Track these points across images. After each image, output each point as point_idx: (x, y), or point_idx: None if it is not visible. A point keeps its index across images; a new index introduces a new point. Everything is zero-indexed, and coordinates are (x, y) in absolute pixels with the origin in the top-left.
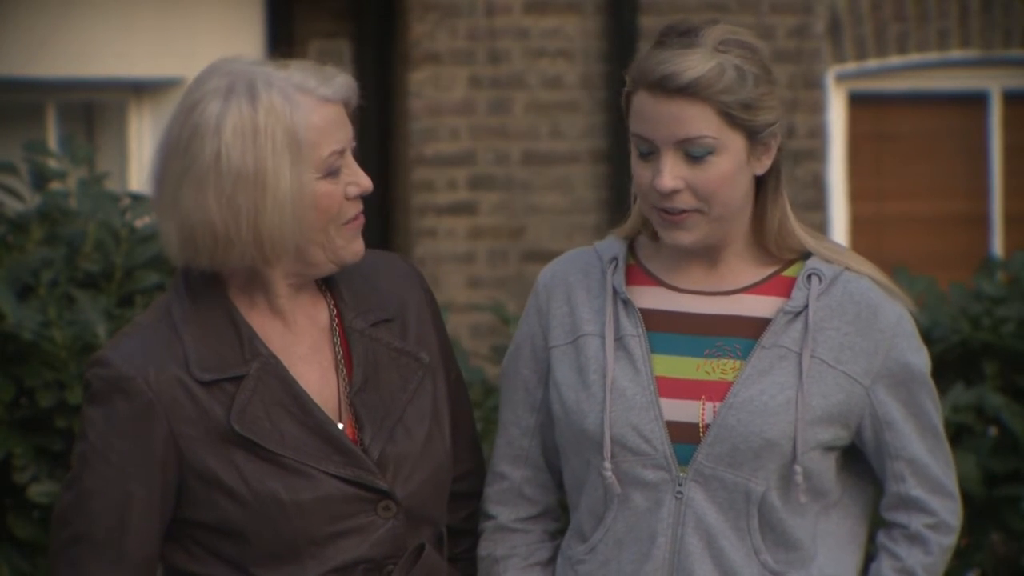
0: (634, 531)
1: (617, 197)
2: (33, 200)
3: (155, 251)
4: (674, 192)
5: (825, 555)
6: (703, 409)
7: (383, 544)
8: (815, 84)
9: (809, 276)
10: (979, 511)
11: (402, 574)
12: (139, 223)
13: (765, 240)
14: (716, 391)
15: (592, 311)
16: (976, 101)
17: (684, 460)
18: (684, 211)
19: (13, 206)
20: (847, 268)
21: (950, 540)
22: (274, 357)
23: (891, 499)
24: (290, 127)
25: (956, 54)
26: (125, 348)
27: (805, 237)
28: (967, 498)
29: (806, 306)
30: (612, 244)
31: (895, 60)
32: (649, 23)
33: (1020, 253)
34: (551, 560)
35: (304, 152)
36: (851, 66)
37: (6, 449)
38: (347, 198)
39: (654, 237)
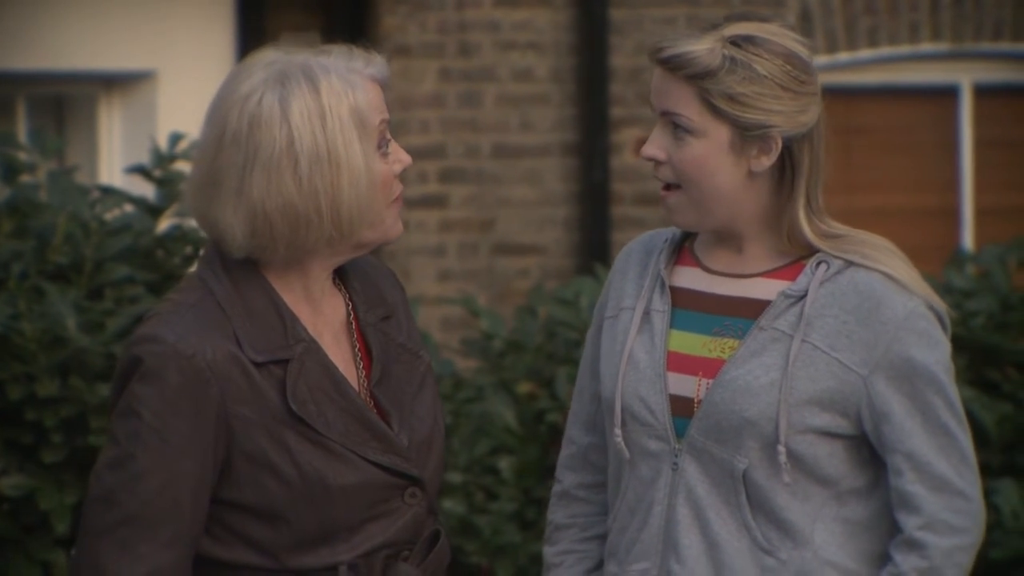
0: (641, 500)
1: (587, 190)
2: (2, 193)
3: (125, 244)
4: (656, 163)
5: (827, 539)
6: (698, 385)
7: (406, 530)
8: None
9: (818, 264)
10: None
11: (418, 560)
12: (109, 216)
13: (781, 233)
14: (711, 368)
15: (636, 287)
16: (947, 94)
17: (682, 433)
18: (668, 185)
19: None
20: (858, 262)
21: (956, 541)
22: (315, 342)
23: (893, 495)
24: (354, 107)
25: (927, 47)
26: (178, 325)
27: (815, 239)
28: None
29: (807, 291)
30: (676, 228)
31: (866, 53)
32: (619, 16)
33: (990, 247)
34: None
35: (368, 130)
36: (822, 59)
37: None
38: (395, 175)
39: None
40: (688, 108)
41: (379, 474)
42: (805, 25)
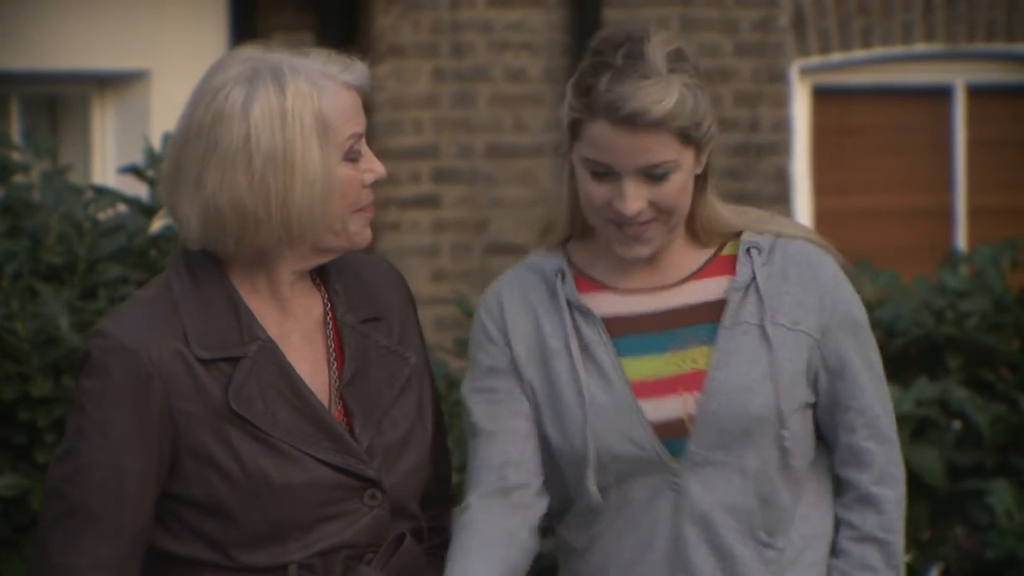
0: (634, 523)
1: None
2: None
3: (118, 244)
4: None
5: (804, 513)
6: (684, 402)
7: (366, 532)
8: (779, 78)
9: (748, 250)
10: (943, 505)
11: (382, 562)
12: (102, 216)
13: (695, 229)
14: (692, 382)
15: (553, 324)
16: (940, 95)
17: (676, 452)
18: (646, 222)
19: None
20: (779, 235)
21: (899, 491)
22: (271, 342)
23: (842, 452)
24: (317, 111)
25: (920, 48)
26: (126, 321)
27: (732, 218)
28: (931, 492)
29: (753, 278)
30: (550, 257)
31: (859, 54)
32: (612, 16)
33: (983, 247)
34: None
35: (330, 136)
36: (815, 59)
37: None
38: (363, 185)
39: (585, 232)
40: (669, 152)
41: (330, 474)
42: (798, 25)
